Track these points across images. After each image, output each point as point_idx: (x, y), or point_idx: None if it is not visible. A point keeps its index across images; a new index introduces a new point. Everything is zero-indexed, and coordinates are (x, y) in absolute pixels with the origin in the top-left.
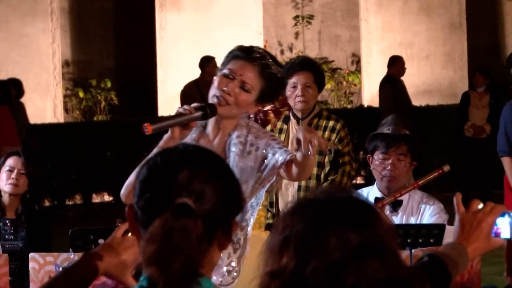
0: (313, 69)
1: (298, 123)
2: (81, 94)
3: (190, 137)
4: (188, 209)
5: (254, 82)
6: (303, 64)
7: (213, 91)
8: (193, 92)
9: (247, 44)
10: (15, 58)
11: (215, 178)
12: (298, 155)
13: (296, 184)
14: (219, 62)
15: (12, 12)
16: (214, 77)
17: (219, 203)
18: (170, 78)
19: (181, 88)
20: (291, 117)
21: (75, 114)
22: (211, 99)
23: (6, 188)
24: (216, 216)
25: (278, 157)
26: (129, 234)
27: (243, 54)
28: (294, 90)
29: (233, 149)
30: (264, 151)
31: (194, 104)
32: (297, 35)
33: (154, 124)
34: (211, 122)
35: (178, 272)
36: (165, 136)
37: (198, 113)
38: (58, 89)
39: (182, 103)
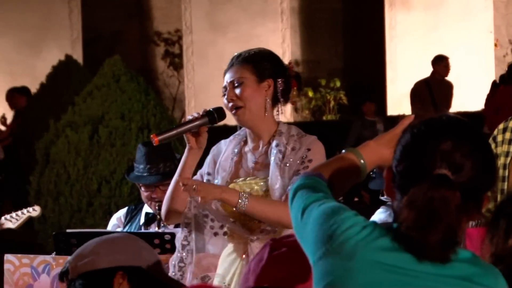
0: None
1: None
2: (310, 94)
3: (233, 153)
4: (448, 180)
5: (241, 73)
6: None
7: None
8: (423, 91)
9: (477, 43)
10: None
11: (475, 153)
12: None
13: None
14: (451, 61)
15: (242, 13)
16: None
17: (475, 177)
18: (399, 78)
19: (411, 87)
20: None
21: (304, 113)
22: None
23: None
24: (470, 189)
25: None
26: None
27: (225, 70)
28: None
29: (272, 158)
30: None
31: (202, 110)
32: None
33: (160, 135)
34: (248, 135)
35: (438, 240)
36: (185, 150)
37: (205, 119)
38: None
39: (412, 102)
